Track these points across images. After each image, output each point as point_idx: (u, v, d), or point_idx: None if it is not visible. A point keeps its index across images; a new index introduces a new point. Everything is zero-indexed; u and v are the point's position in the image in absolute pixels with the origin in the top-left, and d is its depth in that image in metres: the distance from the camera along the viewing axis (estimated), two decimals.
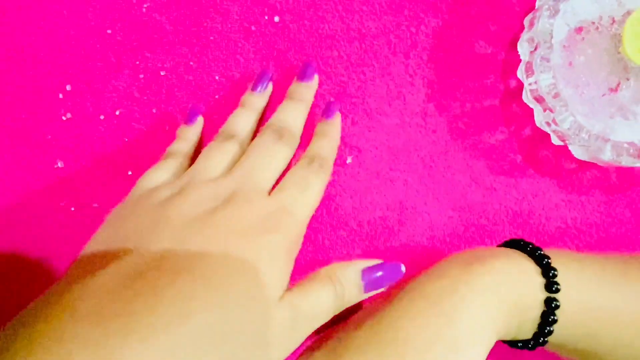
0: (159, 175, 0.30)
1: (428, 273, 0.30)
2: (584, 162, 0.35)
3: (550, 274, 0.28)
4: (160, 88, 0.34)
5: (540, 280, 0.28)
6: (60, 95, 0.34)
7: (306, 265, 0.35)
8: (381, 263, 0.30)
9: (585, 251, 0.35)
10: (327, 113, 0.34)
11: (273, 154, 0.31)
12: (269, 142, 0.31)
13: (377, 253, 0.34)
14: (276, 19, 0.35)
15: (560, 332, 0.28)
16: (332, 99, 0.35)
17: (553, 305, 0.28)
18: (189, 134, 0.33)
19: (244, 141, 0.32)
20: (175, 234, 0.25)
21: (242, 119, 0.33)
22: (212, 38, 0.34)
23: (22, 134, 0.33)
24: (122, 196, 0.33)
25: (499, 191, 0.35)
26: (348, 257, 0.34)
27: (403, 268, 0.30)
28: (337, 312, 0.29)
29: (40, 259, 0.33)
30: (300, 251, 0.34)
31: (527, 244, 0.30)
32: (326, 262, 0.34)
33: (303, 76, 0.34)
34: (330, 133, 0.34)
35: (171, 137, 0.34)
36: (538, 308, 0.28)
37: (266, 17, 0.35)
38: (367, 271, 0.29)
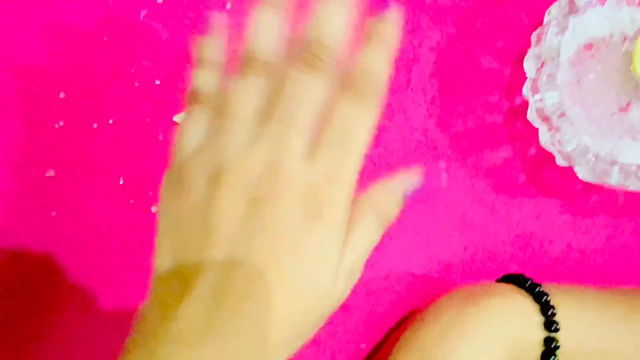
0: (194, 133, 0.25)
1: (420, 320, 0.29)
2: (590, 183, 0.34)
3: (550, 312, 0.27)
4: (155, 97, 0.33)
5: (539, 319, 0.28)
6: (54, 103, 0.33)
7: None
8: (418, 181, 0.26)
9: (588, 278, 0.34)
10: (382, 3, 0.25)
11: (309, 94, 0.23)
12: (302, 75, 0.23)
13: (372, 271, 0.33)
14: None
15: None
16: None
17: (552, 345, 0.27)
18: (212, 54, 0.26)
19: (270, 64, 0.25)
20: (227, 255, 0.23)
21: (263, 34, 0.25)
22: None
23: (13, 141, 0.33)
24: (115, 206, 0.33)
25: (501, 211, 0.34)
26: None
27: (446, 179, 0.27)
28: None
29: (30, 268, 0.33)
30: None
31: (526, 279, 0.29)
32: None
33: None
34: (386, 37, 0.25)
35: (165, 147, 0.33)
36: (537, 348, 0.27)
37: None
38: (408, 192, 0.26)
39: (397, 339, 0.30)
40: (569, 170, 0.33)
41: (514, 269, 0.34)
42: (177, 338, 0.23)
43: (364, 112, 0.24)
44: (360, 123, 0.24)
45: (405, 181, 0.26)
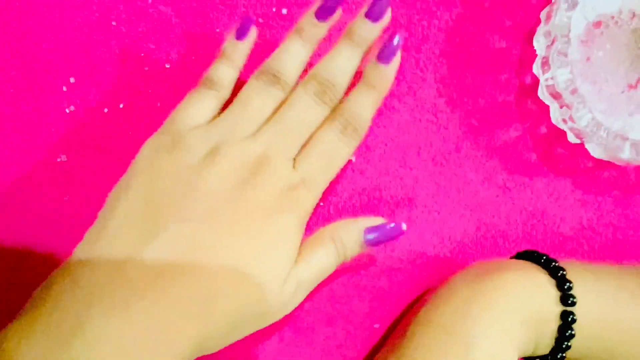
0: (198, 112, 0.29)
1: (438, 295, 0.29)
2: (601, 161, 0.34)
3: (566, 286, 0.27)
4: (165, 81, 0.33)
5: (555, 293, 0.28)
6: (64, 88, 0.33)
7: None
8: (383, 223, 0.29)
9: (600, 255, 0.34)
10: (384, 55, 0.28)
11: (311, 116, 0.28)
12: (310, 101, 0.28)
13: (386, 251, 0.34)
14: (284, 11, 0.34)
15: (577, 346, 0.27)
16: (399, 35, 0.28)
17: (569, 319, 0.27)
18: (237, 52, 0.30)
19: (290, 84, 0.29)
20: (205, 213, 0.26)
21: (294, 54, 0.29)
22: (218, 30, 0.34)
23: (25, 127, 0.33)
24: None
25: (513, 190, 0.34)
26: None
27: (404, 226, 0.29)
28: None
29: (42, 253, 0.33)
30: None
31: (541, 255, 0.30)
32: None
33: (371, 13, 0.28)
34: (381, 85, 0.29)
35: None
36: (554, 322, 0.27)
37: (274, 9, 0.34)
38: (369, 230, 0.28)
39: (412, 318, 0.30)
40: (580, 148, 0.33)
41: (526, 247, 0.34)
42: (130, 284, 0.24)
43: (346, 145, 0.28)
44: (342, 152, 0.29)
45: (368, 223, 0.29)
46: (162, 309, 0.23)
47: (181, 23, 0.34)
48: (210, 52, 0.34)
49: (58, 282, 0.24)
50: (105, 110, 0.33)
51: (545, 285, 0.28)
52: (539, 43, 0.33)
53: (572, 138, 0.33)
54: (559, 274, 0.28)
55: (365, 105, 0.29)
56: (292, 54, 0.29)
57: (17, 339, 0.22)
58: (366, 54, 0.29)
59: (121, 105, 0.33)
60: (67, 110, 0.33)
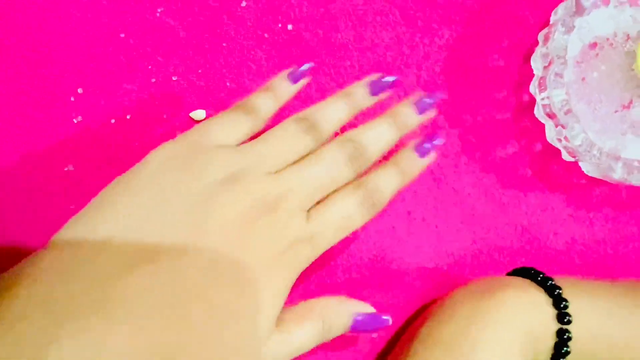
0: (229, 133, 0.27)
1: (439, 312, 0.30)
2: (594, 178, 0.35)
3: (562, 305, 0.28)
4: (172, 93, 0.34)
5: (552, 311, 0.29)
6: (72, 98, 0.34)
7: (311, 272, 0.35)
8: (373, 313, 0.28)
9: (591, 269, 0.35)
10: (422, 150, 0.29)
11: (337, 175, 0.28)
12: (341, 161, 0.28)
13: (384, 263, 0.34)
14: (289, 27, 0.35)
15: None
16: (439, 139, 0.29)
17: (565, 337, 0.28)
18: (285, 91, 0.29)
19: (323, 138, 0.29)
20: (210, 254, 0.24)
21: (336, 112, 0.29)
22: (224, 44, 0.34)
23: (33, 136, 0.33)
24: None
25: (508, 205, 0.35)
26: (355, 267, 0.34)
27: (390, 321, 0.28)
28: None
29: None
30: None
31: (538, 273, 0.30)
32: (332, 270, 0.34)
33: (419, 104, 0.29)
34: (409, 173, 0.29)
35: None
36: (551, 339, 0.28)
37: (279, 25, 0.35)
38: (357, 318, 0.28)
39: (414, 334, 0.31)
40: (574, 166, 0.34)
41: (520, 261, 0.35)
42: (108, 316, 0.21)
43: (362, 216, 0.28)
44: (355, 222, 0.28)
45: (358, 308, 0.28)
46: (140, 348, 0.21)
47: (188, 36, 0.34)
48: (216, 65, 0.34)
49: (24, 290, 0.22)
50: (113, 120, 0.34)
51: (542, 304, 0.29)
52: (537, 64, 0.34)
53: (566, 156, 0.34)
54: (555, 293, 0.29)
55: (389, 186, 0.29)
56: (335, 111, 0.29)
57: None
58: (404, 137, 0.30)
59: (128, 117, 0.34)
60: (75, 121, 0.33)
